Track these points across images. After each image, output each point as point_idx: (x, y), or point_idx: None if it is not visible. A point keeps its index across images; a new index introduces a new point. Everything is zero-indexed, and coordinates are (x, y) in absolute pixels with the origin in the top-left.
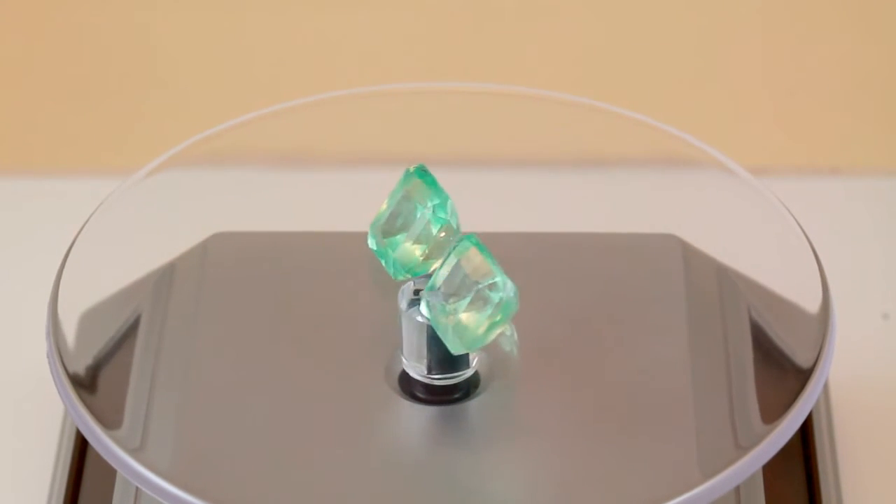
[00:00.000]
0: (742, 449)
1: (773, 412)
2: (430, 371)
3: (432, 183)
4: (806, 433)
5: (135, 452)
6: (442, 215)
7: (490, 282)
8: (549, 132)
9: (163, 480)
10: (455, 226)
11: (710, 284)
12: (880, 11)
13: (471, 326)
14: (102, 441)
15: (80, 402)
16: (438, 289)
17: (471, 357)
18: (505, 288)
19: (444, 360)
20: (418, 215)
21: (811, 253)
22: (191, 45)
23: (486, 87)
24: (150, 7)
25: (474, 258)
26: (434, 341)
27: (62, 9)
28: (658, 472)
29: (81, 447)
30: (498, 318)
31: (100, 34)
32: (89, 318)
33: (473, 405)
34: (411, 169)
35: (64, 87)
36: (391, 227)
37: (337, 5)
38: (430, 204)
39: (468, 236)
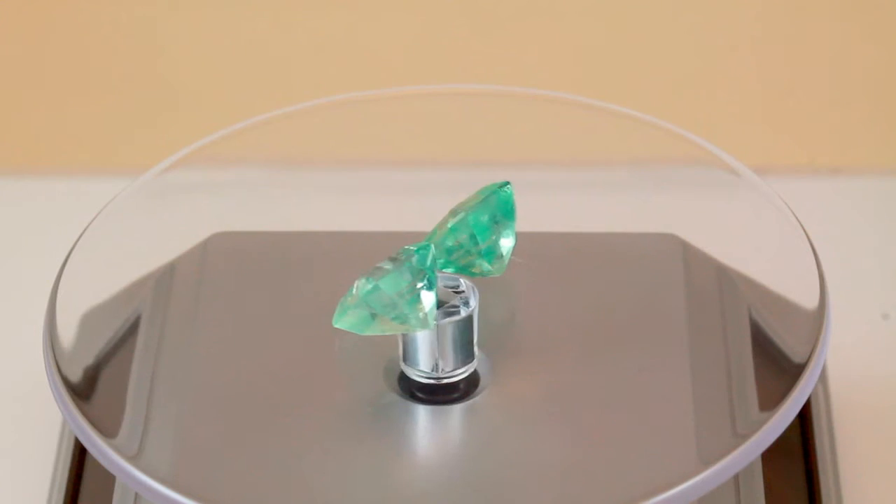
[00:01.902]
0: (741, 437)
1: (771, 404)
2: (404, 360)
3: (486, 201)
4: (806, 432)
5: (133, 459)
6: (453, 228)
7: (377, 280)
8: (549, 132)
9: (161, 485)
10: (466, 243)
11: (710, 284)
12: (880, 11)
13: (343, 301)
14: (100, 448)
15: (77, 409)
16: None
17: (439, 363)
18: (372, 292)
19: (418, 355)
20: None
21: (810, 251)
22: (192, 46)
23: (484, 88)
24: (151, 8)
25: (415, 264)
26: (414, 338)
27: (63, 8)
28: (658, 464)
29: (81, 450)
30: (354, 311)
31: (102, 35)
32: (89, 319)
33: (473, 404)
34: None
35: (65, 88)
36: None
37: (336, 8)
38: (464, 212)
39: (426, 246)
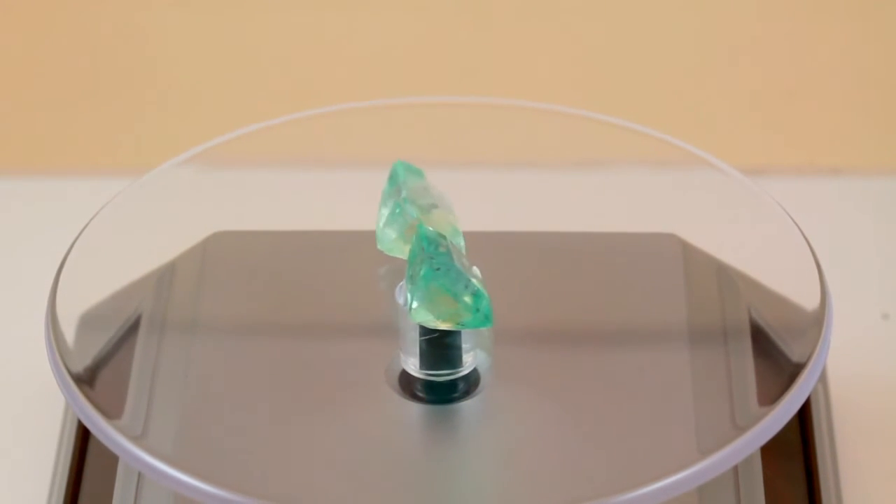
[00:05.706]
0: (740, 429)
1: (771, 402)
2: (422, 367)
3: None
4: (806, 432)
5: (137, 440)
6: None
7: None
8: (550, 136)
9: (164, 464)
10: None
11: (710, 284)
12: (880, 11)
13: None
14: (103, 428)
15: (80, 392)
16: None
17: (464, 356)
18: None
19: (436, 357)
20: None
21: (808, 250)
22: (192, 48)
23: (486, 101)
24: (151, 8)
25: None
26: (426, 337)
27: (63, 8)
28: (657, 459)
29: (82, 447)
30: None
31: (101, 35)
32: (90, 317)
33: (473, 403)
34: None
35: (64, 88)
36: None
37: (335, 12)
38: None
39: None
